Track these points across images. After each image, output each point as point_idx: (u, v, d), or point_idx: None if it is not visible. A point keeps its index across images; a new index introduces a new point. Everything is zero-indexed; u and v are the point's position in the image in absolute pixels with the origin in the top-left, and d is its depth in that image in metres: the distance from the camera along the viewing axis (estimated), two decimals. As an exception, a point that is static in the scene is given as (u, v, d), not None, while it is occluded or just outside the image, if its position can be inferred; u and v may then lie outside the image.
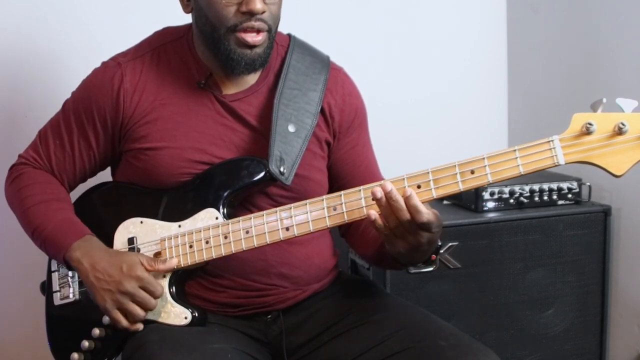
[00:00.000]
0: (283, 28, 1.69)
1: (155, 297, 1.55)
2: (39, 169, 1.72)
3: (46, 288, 1.74)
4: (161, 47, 1.69)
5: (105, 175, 1.79)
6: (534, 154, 1.37)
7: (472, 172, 1.39)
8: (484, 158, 1.39)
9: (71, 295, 1.68)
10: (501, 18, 2.78)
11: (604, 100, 1.34)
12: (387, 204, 1.41)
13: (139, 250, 1.61)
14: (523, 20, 2.73)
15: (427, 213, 1.40)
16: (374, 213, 1.42)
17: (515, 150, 1.37)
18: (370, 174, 1.76)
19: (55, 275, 1.71)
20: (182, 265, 1.58)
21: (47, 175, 1.72)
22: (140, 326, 1.58)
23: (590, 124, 1.33)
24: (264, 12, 1.54)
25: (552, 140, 1.36)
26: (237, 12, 1.54)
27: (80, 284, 1.67)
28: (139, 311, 1.55)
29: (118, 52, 1.71)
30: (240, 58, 1.57)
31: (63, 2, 2.30)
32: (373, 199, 1.42)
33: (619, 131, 1.32)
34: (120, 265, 1.55)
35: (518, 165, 1.37)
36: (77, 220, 1.67)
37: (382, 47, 2.65)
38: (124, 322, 1.56)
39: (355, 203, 1.47)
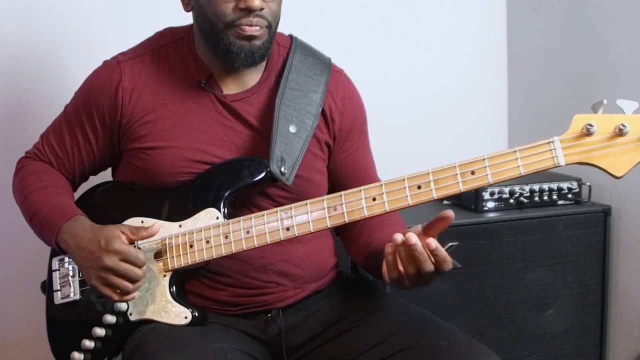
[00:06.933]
0: (282, 28, 1.69)
1: (138, 266, 1.53)
2: (39, 161, 1.74)
3: (47, 287, 1.74)
4: (162, 47, 1.69)
5: (106, 175, 1.79)
6: (534, 154, 1.36)
7: (473, 172, 1.39)
8: (484, 159, 1.39)
9: (72, 294, 1.68)
10: (501, 18, 2.79)
11: (605, 101, 1.34)
12: (408, 254, 1.40)
13: (139, 249, 1.61)
14: (523, 20, 2.73)
15: (451, 260, 1.40)
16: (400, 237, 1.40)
17: (515, 151, 1.37)
18: (368, 177, 1.76)
19: (56, 275, 1.72)
20: (183, 265, 1.58)
21: (47, 165, 1.74)
22: (135, 295, 1.56)
23: (590, 125, 1.33)
24: (262, 9, 1.54)
25: (552, 141, 1.36)
26: (235, 9, 1.54)
27: (81, 282, 1.68)
28: (125, 284, 1.52)
29: (120, 52, 1.71)
30: (240, 50, 1.57)
31: (64, 2, 2.30)
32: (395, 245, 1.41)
33: (620, 132, 1.32)
34: (99, 241, 1.53)
35: (518, 166, 1.37)
36: (70, 203, 1.68)
37: (381, 47, 2.65)
38: (114, 296, 1.54)
39: (356, 203, 1.46)
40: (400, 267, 1.43)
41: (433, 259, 1.39)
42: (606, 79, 2.32)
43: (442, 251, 1.39)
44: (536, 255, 2.23)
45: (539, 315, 2.26)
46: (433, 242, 1.38)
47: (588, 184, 2.30)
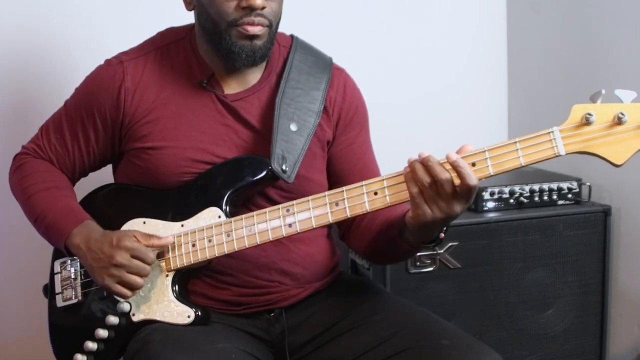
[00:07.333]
0: (283, 27, 1.69)
1: (148, 263, 1.55)
2: (39, 158, 1.74)
3: (49, 290, 1.74)
4: (164, 47, 1.70)
5: (107, 174, 1.79)
6: (534, 145, 1.37)
7: (474, 164, 1.39)
8: (485, 151, 1.39)
9: (74, 297, 1.68)
10: (501, 18, 2.79)
11: (603, 91, 1.35)
12: (423, 166, 1.39)
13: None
14: (523, 20, 2.73)
15: (475, 176, 1.37)
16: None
17: (516, 142, 1.38)
18: (368, 173, 1.74)
19: (57, 277, 1.71)
20: (185, 264, 1.58)
21: (48, 164, 1.74)
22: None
23: (589, 114, 1.34)
24: (264, 7, 1.55)
25: (552, 131, 1.36)
26: (237, 7, 1.54)
27: (83, 285, 1.68)
28: (136, 279, 1.55)
29: (121, 51, 1.71)
30: (241, 50, 1.58)
31: (64, 2, 2.30)
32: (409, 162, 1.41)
33: (619, 121, 1.33)
34: (111, 239, 1.56)
35: (519, 157, 1.37)
36: (77, 206, 1.69)
37: (382, 47, 2.65)
38: (128, 293, 1.56)
39: (358, 198, 1.47)
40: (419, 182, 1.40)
41: (453, 171, 1.37)
42: (606, 79, 2.32)
43: (463, 164, 1.36)
44: (536, 255, 2.23)
45: (539, 315, 2.26)
46: (452, 154, 1.38)
47: (588, 184, 2.30)
